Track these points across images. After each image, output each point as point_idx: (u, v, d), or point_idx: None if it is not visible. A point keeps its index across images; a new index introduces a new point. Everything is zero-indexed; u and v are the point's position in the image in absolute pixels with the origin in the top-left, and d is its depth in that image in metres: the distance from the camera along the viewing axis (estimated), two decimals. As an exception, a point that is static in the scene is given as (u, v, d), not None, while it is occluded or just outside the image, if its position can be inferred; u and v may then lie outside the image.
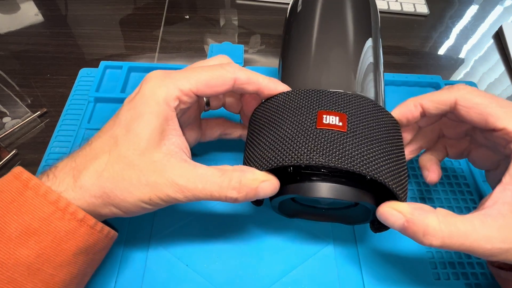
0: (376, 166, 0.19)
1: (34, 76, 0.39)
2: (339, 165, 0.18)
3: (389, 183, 0.19)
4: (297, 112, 0.21)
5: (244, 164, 0.22)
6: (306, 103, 0.21)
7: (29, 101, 0.37)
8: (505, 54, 0.47)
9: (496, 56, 0.47)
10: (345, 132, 0.20)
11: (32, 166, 0.31)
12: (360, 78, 0.24)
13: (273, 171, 0.20)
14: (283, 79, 0.26)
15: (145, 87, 0.20)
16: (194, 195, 0.19)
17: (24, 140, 0.34)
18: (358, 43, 0.26)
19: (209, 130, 0.28)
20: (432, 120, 0.26)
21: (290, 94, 0.22)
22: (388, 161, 0.20)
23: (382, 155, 0.20)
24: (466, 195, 0.32)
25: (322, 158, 0.19)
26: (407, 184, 0.21)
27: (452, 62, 0.47)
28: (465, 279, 0.27)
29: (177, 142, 0.21)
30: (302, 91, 0.22)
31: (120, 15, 0.48)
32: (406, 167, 0.21)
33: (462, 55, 0.48)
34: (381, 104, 0.24)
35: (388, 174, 0.19)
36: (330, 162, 0.18)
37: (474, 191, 0.32)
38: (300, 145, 0.19)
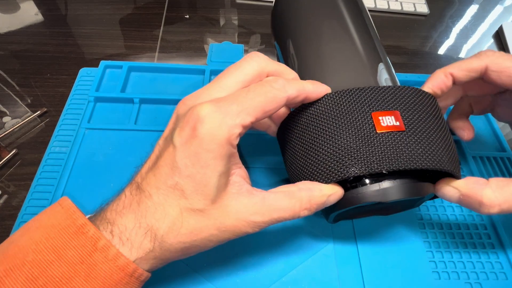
0: (439, 157, 0.20)
1: (34, 75, 0.39)
2: (409, 167, 0.19)
3: (452, 170, 0.20)
4: (350, 116, 0.20)
5: (299, 176, 0.22)
6: (356, 105, 0.21)
7: (29, 101, 0.37)
8: (505, 54, 0.47)
9: (496, 56, 0.47)
10: (404, 131, 0.20)
11: (32, 166, 0.31)
12: (376, 65, 0.24)
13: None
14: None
15: (202, 129, 0.18)
16: (271, 224, 0.20)
17: (24, 140, 0.34)
18: (363, 31, 0.26)
19: None
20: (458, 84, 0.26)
21: (334, 97, 0.21)
22: (446, 147, 0.21)
23: (440, 143, 0.20)
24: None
25: (392, 163, 0.19)
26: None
27: (452, 62, 0.46)
28: (465, 279, 0.27)
29: (240, 174, 0.20)
30: (346, 92, 0.21)
31: (120, 15, 0.48)
32: (454, 143, 0.22)
33: (462, 54, 0.48)
34: None
35: (449, 162, 0.20)
36: (400, 166, 0.19)
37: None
38: (368, 153, 0.19)
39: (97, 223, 0.18)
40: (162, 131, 0.33)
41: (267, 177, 0.31)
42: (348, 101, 0.21)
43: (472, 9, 0.54)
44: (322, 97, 0.22)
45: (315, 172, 0.21)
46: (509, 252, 0.28)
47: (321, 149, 0.21)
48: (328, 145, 0.20)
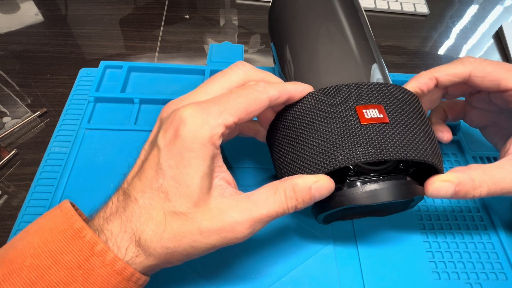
0: (424, 149, 0.20)
1: (34, 76, 0.39)
2: (394, 157, 0.19)
3: (437, 164, 0.20)
4: (334, 111, 0.21)
5: (287, 173, 0.22)
6: (339, 100, 0.21)
7: (29, 101, 0.37)
8: (505, 54, 0.47)
9: (496, 56, 0.47)
10: (388, 123, 0.20)
11: (32, 166, 0.31)
12: (369, 66, 0.24)
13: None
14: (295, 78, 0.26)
15: (184, 129, 0.18)
16: (263, 223, 0.19)
17: (24, 140, 0.34)
18: (357, 32, 0.26)
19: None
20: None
21: (318, 94, 0.22)
22: (430, 141, 0.21)
23: (424, 137, 0.20)
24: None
25: (378, 153, 0.19)
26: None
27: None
28: (465, 279, 0.27)
29: (224, 178, 0.20)
30: (330, 89, 0.22)
31: (120, 15, 0.48)
32: (437, 139, 0.22)
33: (462, 55, 0.48)
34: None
35: (433, 155, 0.20)
36: (386, 156, 0.19)
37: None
38: (353, 144, 0.19)
39: None
40: (162, 131, 0.33)
41: (256, 175, 0.31)
42: (332, 97, 0.21)
43: (472, 9, 0.54)
44: (306, 95, 0.22)
45: (302, 167, 0.20)
46: (509, 253, 0.28)
47: (306, 144, 0.20)
48: (314, 139, 0.20)
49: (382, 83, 0.22)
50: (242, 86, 0.20)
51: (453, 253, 0.28)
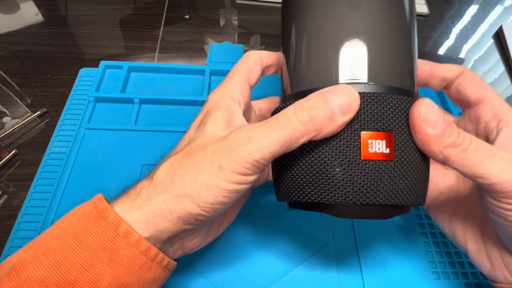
0: (418, 192, 0.18)
1: (34, 76, 0.39)
2: (385, 202, 0.17)
3: (422, 202, 0.19)
4: (337, 134, 0.17)
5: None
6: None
7: (29, 101, 0.37)
8: (505, 54, 0.47)
9: (496, 56, 0.47)
10: (392, 161, 0.17)
11: (32, 166, 0.31)
12: (400, 64, 0.19)
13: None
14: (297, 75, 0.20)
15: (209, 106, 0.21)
16: (282, 145, 0.17)
17: (24, 140, 0.34)
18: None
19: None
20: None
21: None
22: (426, 177, 0.19)
23: (422, 174, 0.18)
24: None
25: (369, 197, 0.17)
26: None
27: (452, 62, 0.46)
28: (465, 279, 0.27)
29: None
30: None
31: (120, 15, 0.48)
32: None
33: (462, 55, 0.48)
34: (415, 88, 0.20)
35: (424, 195, 0.19)
36: (377, 201, 0.17)
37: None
38: (345, 182, 0.17)
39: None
40: (162, 131, 0.33)
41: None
42: None
43: (472, 9, 0.54)
44: None
45: (293, 187, 0.19)
46: (509, 252, 0.28)
47: (304, 164, 0.18)
48: (310, 162, 0.18)
49: (400, 98, 0.18)
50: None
51: (453, 253, 0.28)
